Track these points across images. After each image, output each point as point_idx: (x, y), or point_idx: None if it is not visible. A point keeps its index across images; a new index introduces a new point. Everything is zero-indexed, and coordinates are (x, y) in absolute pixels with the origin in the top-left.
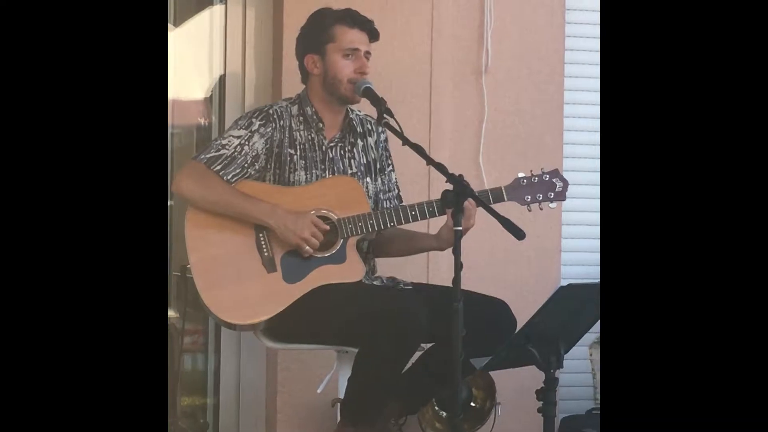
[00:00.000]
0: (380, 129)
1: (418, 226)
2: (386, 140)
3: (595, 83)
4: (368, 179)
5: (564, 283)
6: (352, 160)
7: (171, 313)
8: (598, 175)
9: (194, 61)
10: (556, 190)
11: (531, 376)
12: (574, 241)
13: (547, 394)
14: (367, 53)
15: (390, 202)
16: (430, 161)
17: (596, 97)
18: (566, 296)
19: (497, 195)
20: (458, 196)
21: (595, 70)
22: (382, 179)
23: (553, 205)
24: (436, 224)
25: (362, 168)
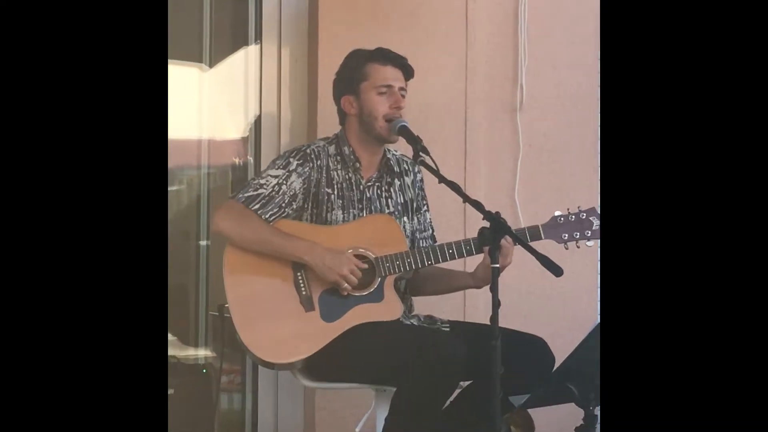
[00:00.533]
0: (416, 169)
1: (454, 265)
2: (422, 180)
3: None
4: (405, 218)
5: None
6: (389, 200)
7: (208, 352)
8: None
9: (229, 101)
10: (593, 228)
11: (570, 414)
12: None
13: (586, 431)
14: (402, 89)
15: (425, 242)
16: (466, 198)
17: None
18: None
19: (534, 233)
20: (495, 234)
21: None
22: (418, 218)
23: (590, 243)
24: (471, 262)
25: (399, 207)
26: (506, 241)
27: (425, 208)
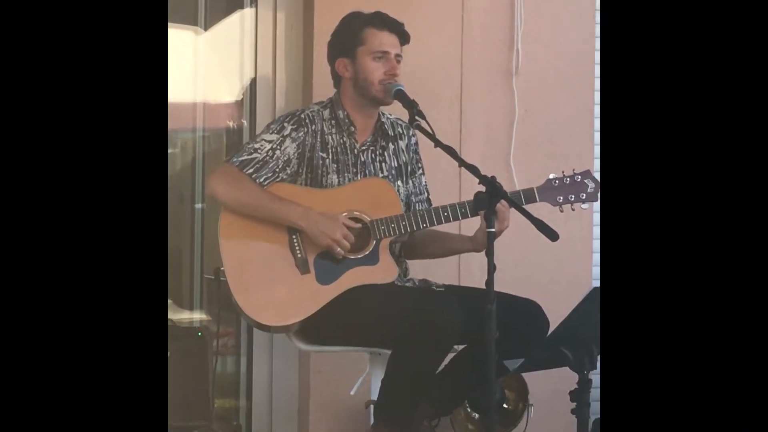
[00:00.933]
0: (411, 132)
1: (450, 228)
2: (417, 143)
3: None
4: (399, 182)
5: (597, 284)
6: (384, 164)
7: (203, 315)
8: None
9: (224, 65)
10: (588, 190)
11: (564, 378)
12: None
13: (580, 395)
14: (398, 56)
15: (421, 205)
16: (462, 163)
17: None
18: (599, 297)
19: (529, 196)
20: (491, 198)
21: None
22: (413, 182)
23: (585, 205)
24: (467, 225)
25: (393, 171)
26: (502, 206)
27: (420, 171)
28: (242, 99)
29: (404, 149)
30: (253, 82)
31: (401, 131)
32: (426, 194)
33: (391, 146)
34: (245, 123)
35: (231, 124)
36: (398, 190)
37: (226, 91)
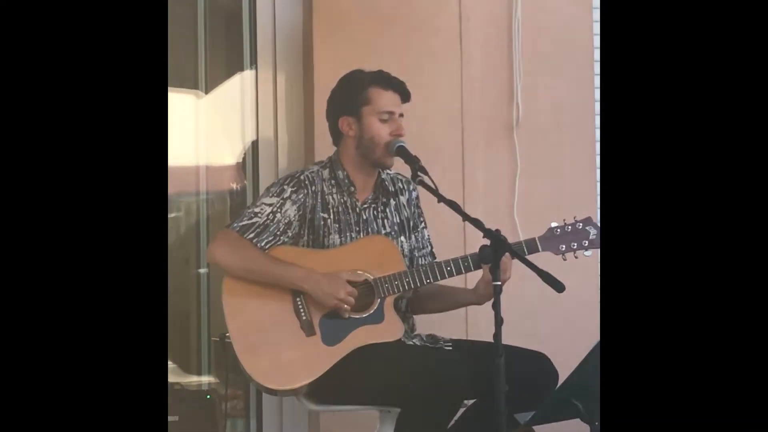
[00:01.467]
0: (411, 187)
1: (455, 281)
2: (417, 197)
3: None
4: (402, 238)
5: None
6: (386, 220)
7: (211, 378)
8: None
9: (226, 127)
10: (590, 237)
11: (575, 430)
12: None
13: None
14: (401, 115)
15: (424, 259)
16: (465, 217)
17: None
18: None
19: (531, 246)
20: (496, 251)
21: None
22: (415, 236)
23: (588, 253)
24: (472, 278)
25: (396, 227)
26: (505, 257)
27: (422, 225)
28: (244, 161)
29: (405, 204)
30: (255, 144)
31: (402, 186)
32: (429, 248)
33: (392, 202)
34: (248, 185)
35: (235, 186)
36: (401, 246)
37: (229, 153)
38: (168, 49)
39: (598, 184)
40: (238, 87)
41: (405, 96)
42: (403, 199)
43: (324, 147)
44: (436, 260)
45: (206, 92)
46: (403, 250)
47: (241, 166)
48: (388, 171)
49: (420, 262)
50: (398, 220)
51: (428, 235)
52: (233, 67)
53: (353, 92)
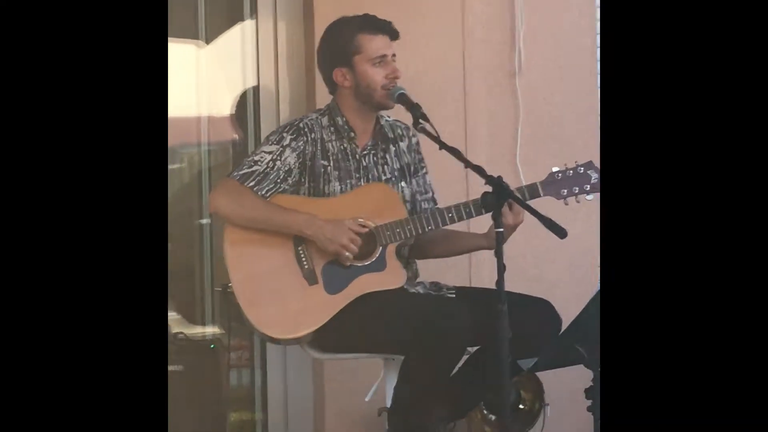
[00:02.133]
0: (411, 133)
1: (458, 227)
2: (418, 143)
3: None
4: (403, 183)
5: None
6: (386, 167)
7: (216, 329)
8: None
9: (227, 77)
10: (591, 182)
11: (579, 376)
12: None
13: (596, 392)
14: (393, 56)
15: (426, 203)
16: (468, 164)
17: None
18: None
19: (533, 191)
20: (498, 198)
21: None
22: (416, 181)
23: (589, 197)
24: (477, 224)
25: (396, 173)
26: (510, 206)
27: (424, 170)
28: (246, 111)
29: (405, 150)
30: (257, 93)
31: (401, 132)
32: (431, 192)
33: (392, 148)
34: (250, 134)
35: (236, 137)
36: (402, 192)
37: (230, 104)
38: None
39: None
40: (238, 37)
41: (394, 35)
42: (403, 145)
43: (325, 95)
44: (438, 207)
45: (207, 42)
46: (404, 196)
47: (242, 117)
48: (387, 118)
49: (422, 206)
50: (398, 166)
51: (430, 180)
52: (234, 17)
53: (342, 42)
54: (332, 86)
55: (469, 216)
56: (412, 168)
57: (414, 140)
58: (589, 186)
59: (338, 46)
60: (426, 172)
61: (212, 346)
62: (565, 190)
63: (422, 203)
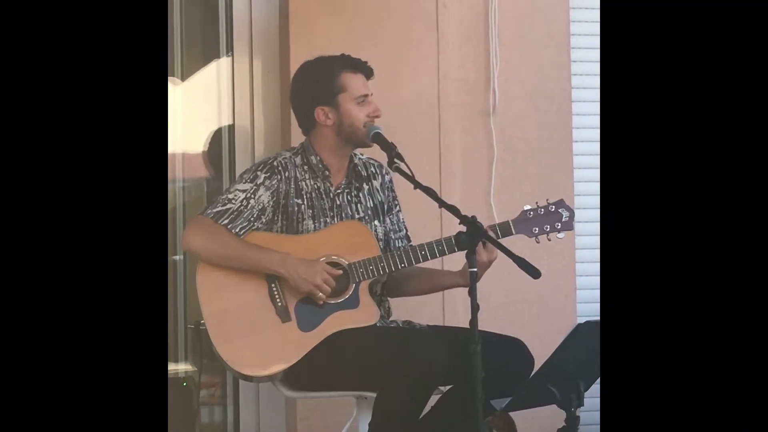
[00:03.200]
0: (384, 171)
1: (433, 264)
2: (391, 181)
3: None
4: (376, 222)
5: (581, 320)
6: (359, 205)
7: (188, 366)
8: None
9: (203, 114)
10: (563, 220)
11: (552, 416)
12: (589, 279)
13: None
14: (371, 94)
15: (400, 242)
16: (442, 204)
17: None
18: (584, 333)
19: (505, 229)
20: (472, 238)
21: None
22: (390, 219)
23: (561, 235)
24: (449, 261)
25: (369, 212)
26: (483, 245)
27: (397, 208)
28: (221, 148)
29: (379, 189)
30: (232, 131)
31: (374, 171)
32: (404, 230)
33: (365, 187)
34: (224, 172)
35: (210, 174)
36: (375, 230)
37: (205, 140)
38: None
39: (575, 171)
40: (214, 74)
41: (370, 74)
42: (376, 183)
43: (299, 134)
44: (411, 244)
45: (183, 79)
46: (377, 234)
47: (217, 154)
48: (360, 156)
49: (396, 245)
50: (372, 204)
51: (403, 218)
52: (210, 53)
53: (325, 81)
54: (309, 125)
55: (442, 254)
56: (385, 206)
57: (387, 178)
58: (560, 224)
59: (321, 85)
60: (399, 210)
61: (184, 384)
62: (537, 228)
63: (396, 241)
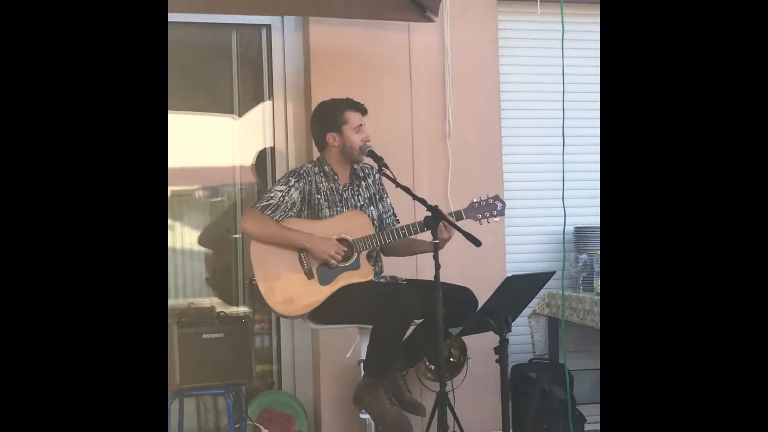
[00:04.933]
0: (374, 171)
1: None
2: (379, 177)
3: (526, 135)
4: (372, 208)
5: (509, 274)
6: (359, 197)
7: (246, 309)
8: (530, 200)
9: (253, 140)
10: (498, 209)
11: (490, 339)
12: (513, 246)
13: (501, 350)
14: (365, 125)
15: (390, 219)
16: (415, 197)
17: (528, 142)
18: (511, 283)
19: (458, 215)
20: (435, 220)
21: (525, 124)
22: (383, 205)
23: (497, 219)
24: (424, 236)
25: (366, 201)
26: (443, 225)
27: (385, 195)
28: (265, 162)
29: (371, 184)
30: (273, 151)
31: (368, 171)
32: (392, 210)
33: (362, 184)
34: (268, 179)
35: (258, 180)
36: (371, 215)
37: (253, 157)
38: (210, 82)
39: (504, 174)
40: (260, 112)
41: (364, 112)
42: (369, 180)
43: (317, 152)
44: (397, 225)
45: (240, 116)
46: (373, 217)
47: (263, 167)
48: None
49: (387, 222)
50: (368, 195)
51: (390, 203)
52: (258, 97)
53: (335, 115)
54: (322, 145)
55: (416, 232)
56: (377, 196)
57: (377, 176)
58: (496, 211)
59: (331, 118)
60: (387, 197)
61: (243, 320)
62: (480, 214)
63: (387, 220)
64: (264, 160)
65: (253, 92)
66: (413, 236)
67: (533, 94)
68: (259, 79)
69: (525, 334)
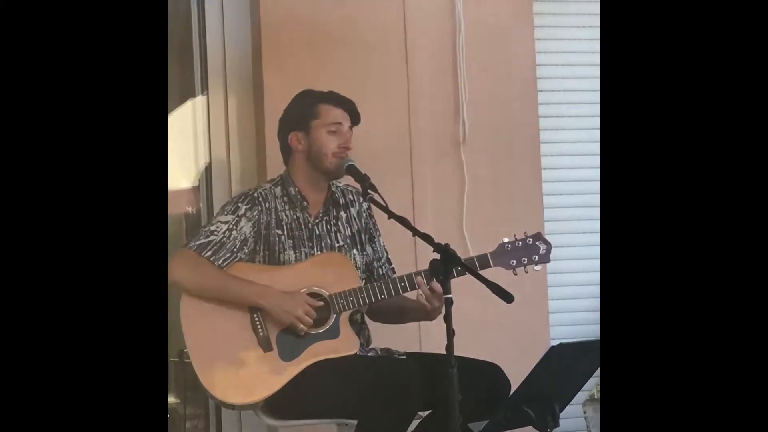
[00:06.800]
0: (362, 198)
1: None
2: (369, 208)
3: (571, 147)
4: (355, 251)
5: (554, 343)
6: (338, 234)
7: (171, 398)
8: (579, 236)
9: (179, 151)
10: (540, 252)
11: None
12: (561, 302)
13: None
14: (350, 128)
15: (382, 269)
16: (415, 232)
17: (573, 160)
18: (558, 355)
19: (483, 261)
20: (446, 265)
21: (571, 135)
22: (372, 247)
23: (537, 267)
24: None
25: (348, 240)
26: (434, 287)
27: (378, 234)
28: (198, 185)
29: (356, 216)
30: (208, 167)
31: (352, 198)
32: (385, 255)
33: (343, 215)
34: (202, 207)
35: (190, 209)
36: (354, 260)
37: (183, 177)
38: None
39: (545, 197)
40: (190, 112)
41: (354, 116)
42: (353, 211)
43: (275, 168)
44: (392, 275)
45: None
46: (357, 263)
47: (195, 190)
48: (338, 184)
49: (379, 272)
50: (350, 233)
51: (383, 243)
52: (185, 93)
53: (303, 108)
54: (287, 152)
55: (421, 285)
56: (365, 235)
57: (365, 205)
58: (537, 257)
59: (298, 112)
60: (380, 236)
61: (167, 415)
62: (515, 261)
63: (378, 269)
64: (198, 180)
65: (180, 84)
66: (410, 291)
67: (582, 81)
68: (187, 65)
69: (580, 429)
